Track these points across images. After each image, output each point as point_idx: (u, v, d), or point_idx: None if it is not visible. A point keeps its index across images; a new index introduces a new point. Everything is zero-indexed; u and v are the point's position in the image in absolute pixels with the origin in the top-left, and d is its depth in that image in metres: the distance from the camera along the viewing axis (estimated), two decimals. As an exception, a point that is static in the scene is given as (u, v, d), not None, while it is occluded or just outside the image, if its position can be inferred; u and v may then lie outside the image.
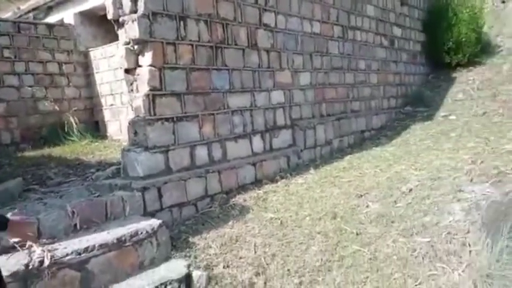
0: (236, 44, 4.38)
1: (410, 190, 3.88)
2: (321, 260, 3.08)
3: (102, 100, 7.82)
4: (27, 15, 8.66)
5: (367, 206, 3.77)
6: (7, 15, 9.43)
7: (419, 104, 7.92)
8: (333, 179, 4.59)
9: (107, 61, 7.61)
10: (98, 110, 7.94)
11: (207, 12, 4.03)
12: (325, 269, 3.00)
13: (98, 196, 3.34)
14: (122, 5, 3.49)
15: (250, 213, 3.79)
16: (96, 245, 2.62)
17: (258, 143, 4.67)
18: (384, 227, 3.41)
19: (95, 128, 7.78)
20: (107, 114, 7.79)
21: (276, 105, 4.95)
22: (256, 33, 4.64)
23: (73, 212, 2.86)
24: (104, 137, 7.53)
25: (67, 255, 2.47)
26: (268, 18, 4.82)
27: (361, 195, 4.00)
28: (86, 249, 2.56)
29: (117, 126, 7.58)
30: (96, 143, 6.79)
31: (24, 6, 9.20)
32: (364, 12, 6.84)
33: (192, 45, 3.89)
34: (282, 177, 4.66)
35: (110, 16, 3.58)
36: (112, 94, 7.65)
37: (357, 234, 3.35)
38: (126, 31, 3.52)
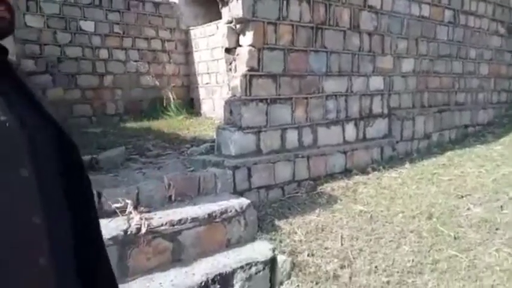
0: (337, 26, 4.19)
1: (521, 196, 3.47)
2: (412, 261, 2.88)
3: (199, 78, 8.09)
4: (136, -7, 9.19)
5: (468, 209, 3.45)
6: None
7: (536, 101, 7.04)
8: (430, 176, 4.26)
9: (206, 40, 7.83)
10: (194, 88, 8.24)
11: (311, -8, 3.90)
12: (417, 271, 2.80)
13: (192, 171, 3.46)
14: (227, -17, 3.50)
15: (338, 204, 3.67)
16: (189, 218, 2.70)
17: (350, 130, 4.48)
18: (487, 233, 3.10)
19: (190, 104, 8.11)
20: (202, 92, 8.06)
21: (373, 91, 4.69)
22: (359, 14, 4.40)
23: (169, 184, 2.98)
24: (197, 114, 7.82)
25: (162, 225, 2.59)
26: (374, -1, 4.54)
27: (462, 197, 3.67)
28: (179, 221, 2.66)
29: (211, 105, 7.82)
30: (191, 120, 7.07)
31: (134, -15, 9.77)
32: (481, -5, 6.17)
33: (292, 25, 3.80)
34: (373, 169, 4.44)
35: (214, -6, 3.61)
36: (208, 73, 7.88)
37: (455, 238, 3.08)
38: (230, 10, 3.53)
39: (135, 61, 7.56)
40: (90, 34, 7.08)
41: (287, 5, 3.73)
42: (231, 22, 3.62)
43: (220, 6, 3.67)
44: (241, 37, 3.63)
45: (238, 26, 3.58)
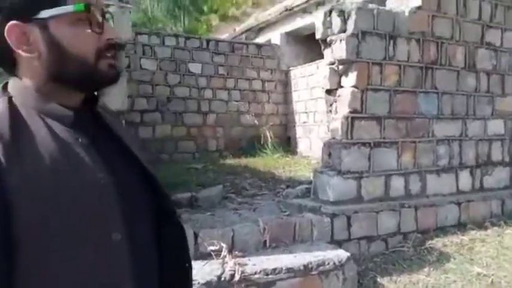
0: (450, 65, 3.87)
1: None
2: None
3: (296, 117, 8.09)
4: (240, 36, 9.67)
5: None
6: (224, 36, 10.73)
7: None
8: None
9: (306, 80, 7.85)
10: (291, 126, 8.25)
11: (421, 30, 3.66)
12: None
13: (287, 215, 3.33)
14: (331, 24, 3.44)
15: (450, 262, 3.23)
16: (284, 268, 2.56)
17: (465, 179, 4.01)
18: None
19: (287, 143, 8.10)
20: (298, 131, 8.03)
21: (492, 136, 4.19)
22: (475, 52, 4.02)
23: (264, 229, 2.89)
24: (294, 152, 7.77)
25: (255, 273, 2.48)
26: (493, 35, 4.12)
27: None
28: (273, 271, 2.53)
29: (308, 143, 7.72)
30: (287, 158, 7.03)
31: (239, 28, 10.32)
32: None
33: (399, 65, 3.59)
34: (493, 224, 3.89)
35: (318, 36, 3.57)
36: (306, 112, 7.85)
37: None
38: (333, 51, 3.45)
39: (237, 101, 7.84)
40: (197, 75, 7.53)
41: (394, 44, 3.54)
42: (333, 63, 3.52)
43: (322, 47, 3.61)
44: (343, 78, 3.51)
45: (340, 67, 3.47)
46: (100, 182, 0.74)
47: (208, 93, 7.62)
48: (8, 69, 0.80)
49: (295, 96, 8.15)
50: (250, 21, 9.81)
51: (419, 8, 3.64)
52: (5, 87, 0.79)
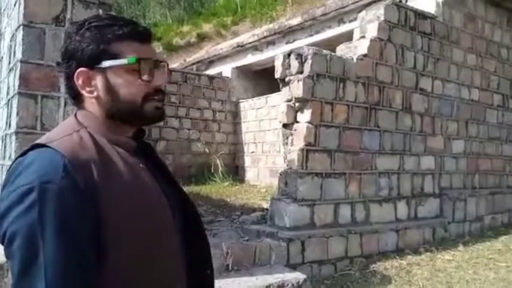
0: (390, 106, 4.37)
1: None
2: None
3: (245, 147, 8.38)
4: (191, 67, 9.90)
5: (533, 301, 3.27)
6: (174, 65, 10.89)
7: None
8: (486, 261, 4.12)
9: (255, 112, 8.21)
10: (240, 156, 8.51)
11: (366, 75, 4.13)
12: None
13: (247, 240, 3.52)
14: (290, 66, 3.79)
15: (392, 284, 3.58)
16: (248, 289, 2.74)
17: (402, 208, 4.47)
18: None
19: (235, 171, 8.33)
20: (247, 160, 8.31)
21: (425, 171, 4.72)
22: (411, 96, 4.57)
23: (227, 253, 3.06)
24: (242, 181, 8.00)
25: (222, 293, 2.63)
26: (425, 83, 4.73)
27: (525, 286, 3.50)
28: (238, 291, 2.70)
29: (256, 172, 8.00)
30: (237, 186, 7.23)
31: (190, 59, 10.56)
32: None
33: (348, 105, 4.01)
34: (426, 250, 4.34)
35: (277, 75, 3.90)
36: (254, 142, 8.17)
37: (521, 331, 2.91)
38: (290, 89, 3.78)
39: (188, 129, 7.98)
40: (148, 103, 7.58)
41: (343, 86, 3.97)
42: (290, 100, 3.85)
43: (280, 86, 3.94)
44: (299, 114, 3.84)
45: (297, 104, 3.81)
46: (159, 199, 0.93)
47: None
48: (75, 103, 0.98)
49: (244, 127, 8.46)
50: (202, 53, 10.10)
51: (365, 55, 4.12)
52: (75, 117, 0.96)
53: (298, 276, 3.08)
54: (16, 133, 2.43)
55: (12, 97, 2.61)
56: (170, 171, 1.09)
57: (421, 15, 4.67)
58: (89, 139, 0.89)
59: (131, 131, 1.00)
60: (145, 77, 0.93)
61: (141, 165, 0.95)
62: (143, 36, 0.94)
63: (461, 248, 4.48)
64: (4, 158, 2.80)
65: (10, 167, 0.85)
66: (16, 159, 0.85)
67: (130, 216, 0.85)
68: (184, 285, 0.97)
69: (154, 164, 1.04)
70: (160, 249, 0.90)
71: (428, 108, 4.76)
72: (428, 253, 4.29)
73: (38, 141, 0.86)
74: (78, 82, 0.92)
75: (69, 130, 0.90)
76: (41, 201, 0.75)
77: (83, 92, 0.93)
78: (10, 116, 2.63)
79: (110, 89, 0.92)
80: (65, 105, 2.50)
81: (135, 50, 0.92)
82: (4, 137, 2.83)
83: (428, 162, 4.76)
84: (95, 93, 0.92)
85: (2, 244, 0.79)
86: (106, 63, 0.90)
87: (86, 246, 0.78)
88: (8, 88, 2.82)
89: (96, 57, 0.90)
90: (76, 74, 0.91)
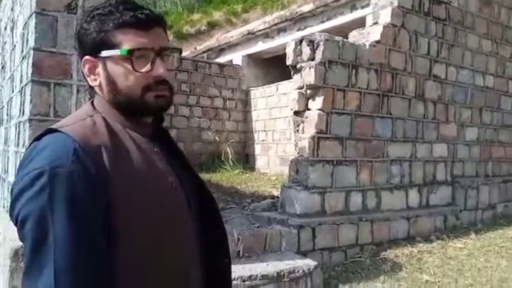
0: (403, 94, 4.32)
1: None
2: None
3: (255, 135, 8.38)
4: (202, 55, 9.89)
5: (546, 289, 3.25)
6: (185, 53, 10.87)
7: None
8: (498, 249, 4.09)
9: (265, 100, 8.19)
10: (250, 144, 8.52)
11: (379, 62, 4.08)
12: None
13: (258, 227, 3.54)
14: (301, 52, 3.76)
15: (403, 271, 3.58)
16: (259, 275, 2.76)
17: (414, 196, 4.44)
18: None
19: (245, 159, 8.35)
20: (257, 149, 8.31)
21: (437, 158, 4.68)
22: (424, 84, 4.52)
23: (238, 239, 3.08)
24: (252, 169, 8.02)
25: (233, 279, 2.65)
26: (439, 69, 4.66)
27: (537, 274, 3.47)
28: (249, 277, 2.72)
29: (266, 161, 8.01)
30: (247, 174, 7.25)
31: (200, 47, 10.54)
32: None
33: (360, 92, 3.97)
34: (437, 238, 4.33)
35: (288, 62, 3.87)
36: (265, 130, 8.16)
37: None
38: (302, 76, 3.76)
39: (198, 117, 8.00)
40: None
41: (356, 73, 3.93)
42: (301, 88, 3.83)
43: (292, 73, 3.92)
44: (310, 101, 3.82)
45: (308, 91, 3.79)
46: (172, 185, 0.93)
47: (170, 109, 7.70)
48: (90, 89, 0.98)
49: (254, 115, 8.45)
50: (212, 42, 10.07)
51: (378, 42, 4.07)
52: (92, 103, 0.96)
53: (308, 262, 3.10)
54: (30, 120, 2.46)
55: (25, 85, 2.64)
56: (186, 156, 1.09)
57: (435, 0, 4.59)
58: (102, 124, 0.90)
59: (147, 117, 1.00)
60: (141, 68, 0.90)
61: (155, 149, 0.95)
62: (144, 23, 0.90)
63: (473, 236, 4.46)
64: (18, 145, 2.84)
65: (25, 151, 0.86)
66: (31, 143, 0.86)
67: (142, 203, 0.86)
68: (199, 271, 0.97)
69: (170, 150, 1.04)
70: (172, 236, 0.90)
71: (441, 95, 4.70)
72: (440, 241, 4.27)
73: (53, 126, 0.87)
74: (84, 70, 0.93)
75: (83, 115, 0.91)
76: (51, 185, 0.76)
77: (88, 79, 0.94)
78: (23, 103, 2.67)
79: (109, 79, 0.91)
80: (78, 93, 2.52)
81: (133, 39, 0.89)
82: (18, 124, 2.86)
83: (440, 149, 4.71)
84: (98, 81, 0.93)
85: (16, 226, 0.80)
86: (105, 53, 0.90)
87: (96, 231, 0.79)
88: (21, 76, 2.85)
89: (96, 47, 0.90)
90: (83, 61, 0.93)
